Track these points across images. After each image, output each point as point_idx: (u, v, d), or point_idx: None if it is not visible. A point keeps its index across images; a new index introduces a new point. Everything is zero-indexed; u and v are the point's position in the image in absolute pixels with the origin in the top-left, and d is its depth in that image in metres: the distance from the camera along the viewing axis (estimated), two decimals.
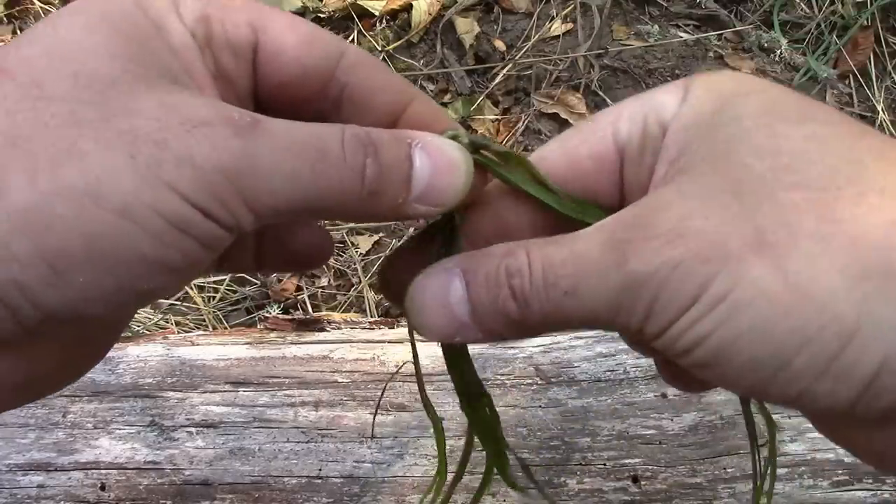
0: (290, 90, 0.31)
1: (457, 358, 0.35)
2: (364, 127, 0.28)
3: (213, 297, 1.32)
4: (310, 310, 1.30)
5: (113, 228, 0.23)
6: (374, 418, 0.37)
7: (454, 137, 0.30)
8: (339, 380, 0.70)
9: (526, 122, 1.48)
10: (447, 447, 0.64)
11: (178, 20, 0.28)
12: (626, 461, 0.64)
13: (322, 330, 0.75)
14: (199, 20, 0.29)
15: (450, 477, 0.39)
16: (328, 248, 0.36)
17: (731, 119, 0.27)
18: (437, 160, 0.29)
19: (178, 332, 0.82)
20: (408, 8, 1.59)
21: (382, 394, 0.35)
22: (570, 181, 0.32)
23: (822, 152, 0.25)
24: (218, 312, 1.31)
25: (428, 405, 0.36)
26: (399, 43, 1.57)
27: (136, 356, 0.73)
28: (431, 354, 0.71)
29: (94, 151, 0.23)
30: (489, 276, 0.28)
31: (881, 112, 1.51)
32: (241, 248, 0.35)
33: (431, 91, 1.54)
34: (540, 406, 0.67)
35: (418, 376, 0.36)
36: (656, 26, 1.60)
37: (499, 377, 0.69)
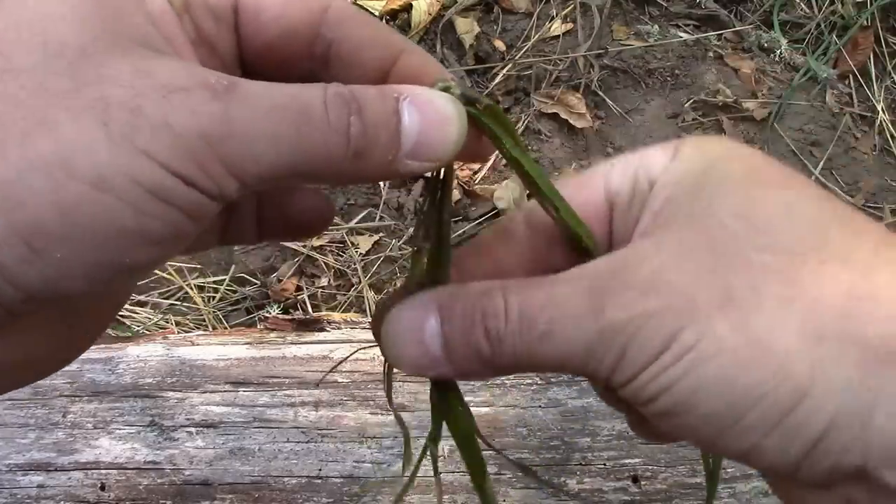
0: (275, 51, 0.30)
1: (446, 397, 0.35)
2: (348, 85, 0.27)
3: (213, 297, 1.32)
4: (310, 310, 1.30)
5: (89, 200, 0.22)
6: (390, 396, 0.37)
7: (445, 89, 0.29)
8: (339, 380, 0.70)
9: (526, 122, 1.48)
10: (448, 446, 0.64)
11: None
12: (626, 461, 0.64)
13: (322, 330, 0.75)
14: None
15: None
16: (329, 212, 0.35)
17: (714, 180, 0.28)
18: (428, 113, 0.27)
19: (178, 332, 0.82)
20: (408, 8, 1.59)
21: (388, 381, 0.35)
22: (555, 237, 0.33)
23: (793, 218, 0.27)
24: (218, 312, 1.31)
25: (398, 419, 0.37)
26: None
27: (136, 356, 0.73)
28: None
29: (66, 121, 0.23)
30: (465, 314, 0.28)
31: (881, 112, 1.51)
32: (240, 220, 0.34)
33: None
34: (540, 406, 0.67)
35: (388, 387, 0.36)
36: (656, 26, 1.60)
37: (499, 377, 0.69)
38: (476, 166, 1.46)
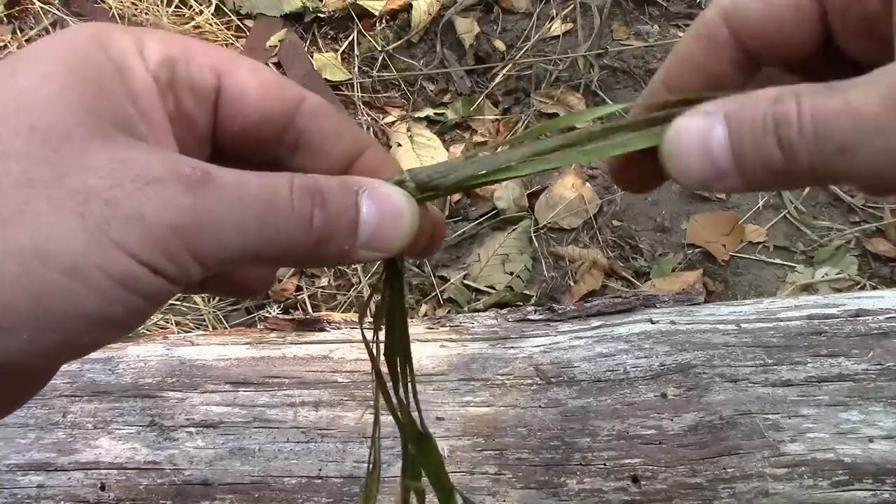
0: (249, 134, 0.31)
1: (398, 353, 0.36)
2: (312, 175, 0.28)
3: (213, 297, 1.32)
4: (310, 310, 1.30)
5: (59, 287, 0.24)
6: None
7: (400, 183, 0.31)
8: (339, 380, 0.70)
9: (526, 122, 1.48)
10: (448, 446, 0.65)
11: (141, 62, 0.29)
12: (626, 461, 0.64)
13: (322, 330, 0.75)
14: (163, 63, 0.29)
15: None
16: (271, 279, 0.37)
17: None
18: (383, 207, 0.29)
19: (178, 332, 0.82)
20: (408, 8, 1.59)
21: (381, 382, 0.35)
22: (768, 30, 0.30)
23: None
24: (218, 312, 1.31)
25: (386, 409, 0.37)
26: (399, 43, 1.57)
27: (136, 356, 0.73)
28: (431, 354, 0.71)
29: (46, 212, 0.24)
30: (754, 122, 0.27)
31: None
32: None
33: (431, 91, 1.54)
34: (540, 406, 0.67)
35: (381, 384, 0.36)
36: (656, 26, 1.60)
37: (499, 377, 0.69)
38: None
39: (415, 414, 0.37)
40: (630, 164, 0.32)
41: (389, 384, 0.36)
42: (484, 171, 0.31)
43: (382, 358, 0.36)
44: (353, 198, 0.29)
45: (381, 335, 0.36)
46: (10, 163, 0.24)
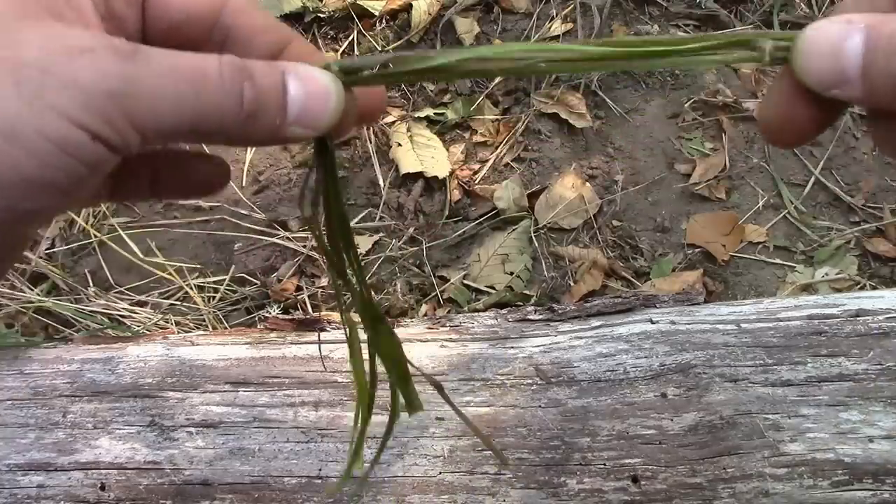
0: (177, 34, 0.33)
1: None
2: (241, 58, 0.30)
3: (213, 297, 1.32)
4: (310, 310, 1.30)
5: None
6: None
7: (326, 67, 0.32)
8: (339, 380, 0.70)
9: (526, 122, 1.48)
10: (448, 447, 0.64)
11: None
12: (626, 461, 0.63)
13: (322, 330, 0.75)
14: None
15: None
16: (225, 174, 0.38)
17: None
18: (309, 86, 0.31)
19: (178, 332, 0.82)
20: (408, 8, 1.59)
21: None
22: None
23: None
24: (218, 312, 1.31)
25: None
26: (399, 43, 1.57)
27: (136, 356, 0.73)
28: (431, 354, 0.71)
29: None
30: (892, 37, 0.27)
31: None
32: (135, 177, 0.37)
33: (431, 91, 1.54)
34: (540, 406, 0.67)
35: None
36: (656, 26, 1.60)
37: (499, 377, 0.69)
38: (476, 166, 1.46)
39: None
40: (785, 113, 0.32)
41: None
42: (424, 64, 0.32)
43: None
44: (280, 76, 0.30)
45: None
46: None
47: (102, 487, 0.65)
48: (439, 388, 0.40)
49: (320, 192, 0.35)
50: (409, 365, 0.40)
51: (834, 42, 0.28)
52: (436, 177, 1.40)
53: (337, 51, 1.58)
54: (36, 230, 0.34)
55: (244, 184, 1.43)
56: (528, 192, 1.41)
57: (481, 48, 0.32)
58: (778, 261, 1.36)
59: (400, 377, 0.40)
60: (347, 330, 0.39)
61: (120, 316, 1.28)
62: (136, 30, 0.33)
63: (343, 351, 0.72)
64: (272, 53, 0.34)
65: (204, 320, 1.29)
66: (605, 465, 0.64)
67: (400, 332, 0.73)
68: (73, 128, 0.26)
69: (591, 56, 0.31)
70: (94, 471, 0.66)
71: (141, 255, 1.34)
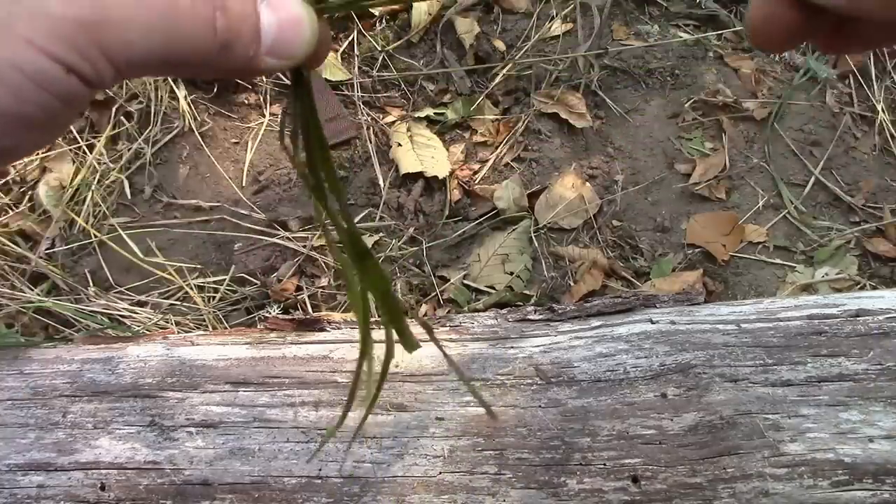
0: None
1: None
2: None
3: (213, 297, 1.32)
4: (310, 310, 1.30)
5: None
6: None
7: None
8: (339, 380, 0.70)
9: (526, 122, 1.48)
10: (448, 447, 0.64)
11: None
12: (626, 461, 0.63)
13: (322, 330, 0.75)
14: None
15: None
16: None
17: None
18: (282, 15, 0.30)
19: (178, 332, 0.82)
20: (408, 8, 1.59)
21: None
22: None
23: None
24: (218, 312, 1.31)
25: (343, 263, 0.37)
26: (399, 43, 1.57)
27: (136, 356, 0.73)
28: (431, 354, 0.71)
29: None
30: None
31: (881, 112, 1.51)
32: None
33: (431, 91, 1.54)
34: (540, 406, 0.67)
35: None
36: (656, 26, 1.60)
37: (499, 377, 0.69)
38: (476, 166, 1.46)
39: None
40: (773, 13, 0.32)
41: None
42: None
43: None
44: (253, 5, 0.30)
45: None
46: None
47: (102, 487, 0.65)
48: (429, 329, 0.39)
49: (298, 123, 0.35)
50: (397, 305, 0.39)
51: None
52: (436, 177, 1.41)
53: (337, 51, 1.58)
54: (8, 165, 0.34)
55: (244, 184, 1.43)
56: (528, 192, 1.41)
57: None
58: (778, 261, 1.36)
59: (392, 313, 0.39)
60: (339, 265, 0.38)
61: (120, 316, 1.28)
62: None
63: (343, 351, 0.72)
64: None
65: (204, 320, 1.29)
66: (605, 465, 0.64)
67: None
68: (48, 60, 0.25)
69: None
70: (94, 471, 0.66)
71: (141, 255, 1.34)
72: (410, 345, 0.39)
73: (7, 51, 0.25)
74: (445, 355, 0.37)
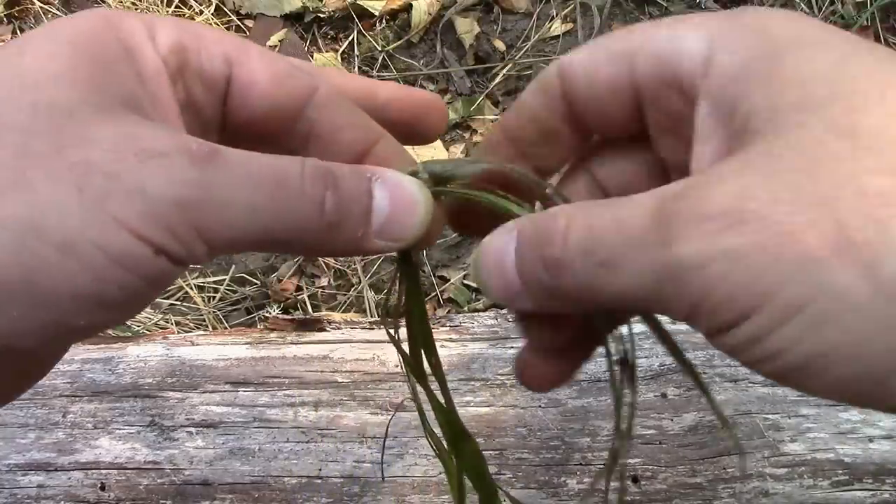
0: (258, 124, 0.30)
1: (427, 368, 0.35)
2: (325, 161, 0.28)
3: (213, 297, 1.32)
4: (310, 310, 1.30)
5: (52, 263, 0.23)
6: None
7: (413, 174, 0.30)
8: (339, 380, 0.70)
9: None
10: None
11: (152, 46, 0.28)
12: (626, 461, 0.64)
13: (322, 330, 0.75)
14: (174, 49, 0.28)
15: None
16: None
17: (793, 81, 0.23)
18: (397, 195, 0.29)
19: (178, 332, 0.82)
20: (408, 8, 1.59)
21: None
22: (589, 105, 0.29)
23: None
24: (218, 312, 1.31)
25: (437, 444, 0.36)
26: (399, 43, 1.57)
27: (136, 356, 0.73)
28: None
29: (43, 183, 0.23)
30: (530, 239, 0.26)
31: None
32: None
33: (431, 91, 1.54)
34: (540, 406, 0.67)
35: (421, 415, 0.35)
36: None
37: (499, 377, 0.69)
38: None
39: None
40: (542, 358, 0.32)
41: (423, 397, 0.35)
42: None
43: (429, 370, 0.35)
44: (366, 184, 0.28)
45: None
46: (11, 135, 0.23)
47: (102, 487, 0.65)
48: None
49: (402, 304, 0.33)
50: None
51: (496, 258, 0.27)
52: None
53: (337, 51, 1.59)
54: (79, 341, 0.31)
55: None
56: None
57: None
58: None
59: (489, 498, 0.37)
60: (435, 450, 0.37)
61: None
62: (215, 118, 0.30)
63: (343, 351, 0.72)
64: (358, 152, 0.31)
65: (204, 320, 1.29)
66: (605, 465, 0.64)
67: (401, 332, 0.73)
68: (135, 241, 0.23)
69: None
70: (94, 471, 0.66)
71: None
72: None
73: (93, 230, 0.23)
74: None
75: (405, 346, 0.35)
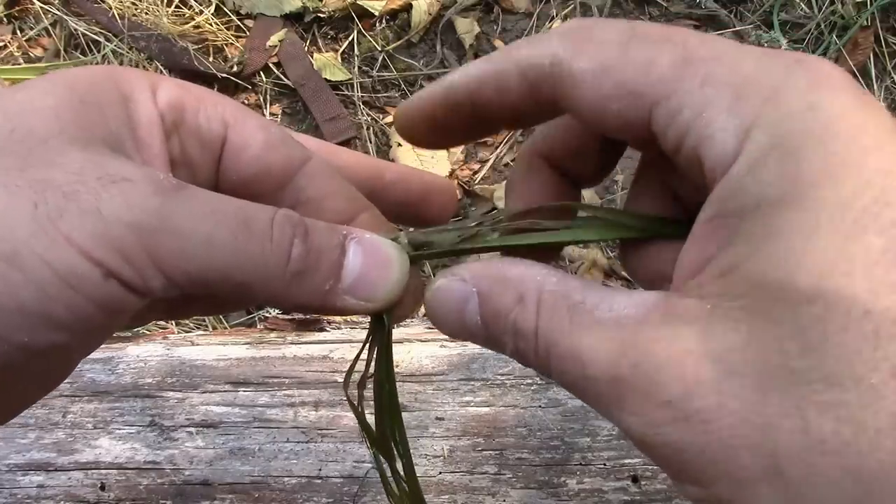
0: (249, 186, 0.31)
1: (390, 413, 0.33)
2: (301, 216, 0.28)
3: None
4: None
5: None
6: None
7: (394, 239, 0.30)
8: (339, 380, 0.70)
9: None
10: (448, 447, 0.64)
11: (151, 99, 0.29)
12: (626, 461, 0.64)
13: (322, 330, 0.75)
14: (173, 105, 0.29)
15: None
16: None
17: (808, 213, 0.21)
18: (370, 253, 0.28)
19: (178, 332, 0.82)
20: (408, 8, 1.59)
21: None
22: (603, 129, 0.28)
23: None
24: None
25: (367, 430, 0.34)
26: (399, 43, 1.57)
27: (136, 356, 0.73)
28: (431, 355, 0.71)
29: (0, 197, 0.23)
30: (499, 315, 0.26)
31: None
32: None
33: None
34: (540, 406, 0.67)
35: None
36: None
37: (499, 377, 0.69)
38: (476, 166, 1.46)
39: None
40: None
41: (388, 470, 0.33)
42: (483, 243, 0.30)
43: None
44: (339, 238, 0.28)
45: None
46: None
47: (102, 487, 0.65)
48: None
49: (368, 372, 0.32)
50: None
51: (455, 306, 0.27)
52: None
53: (337, 51, 1.59)
54: (63, 366, 0.30)
55: None
56: None
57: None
58: None
59: None
60: None
61: None
62: (210, 178, 0.31)
63: (343, 351, 0.72)
64: (341, 221, 0.31)
65: (204, 320, 1.29)
66: (605, 465, 0.64)
67: (400, 331, 0.74)
68: (83, 260, 0.23)
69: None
70: (94, 471, 0.66)
71: None
72: None
73: (41, 245, 0.23)
74: None
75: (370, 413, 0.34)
